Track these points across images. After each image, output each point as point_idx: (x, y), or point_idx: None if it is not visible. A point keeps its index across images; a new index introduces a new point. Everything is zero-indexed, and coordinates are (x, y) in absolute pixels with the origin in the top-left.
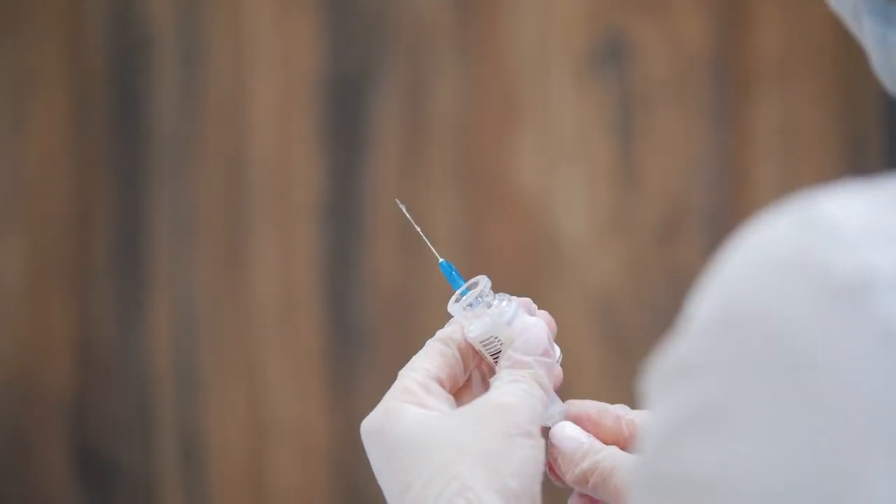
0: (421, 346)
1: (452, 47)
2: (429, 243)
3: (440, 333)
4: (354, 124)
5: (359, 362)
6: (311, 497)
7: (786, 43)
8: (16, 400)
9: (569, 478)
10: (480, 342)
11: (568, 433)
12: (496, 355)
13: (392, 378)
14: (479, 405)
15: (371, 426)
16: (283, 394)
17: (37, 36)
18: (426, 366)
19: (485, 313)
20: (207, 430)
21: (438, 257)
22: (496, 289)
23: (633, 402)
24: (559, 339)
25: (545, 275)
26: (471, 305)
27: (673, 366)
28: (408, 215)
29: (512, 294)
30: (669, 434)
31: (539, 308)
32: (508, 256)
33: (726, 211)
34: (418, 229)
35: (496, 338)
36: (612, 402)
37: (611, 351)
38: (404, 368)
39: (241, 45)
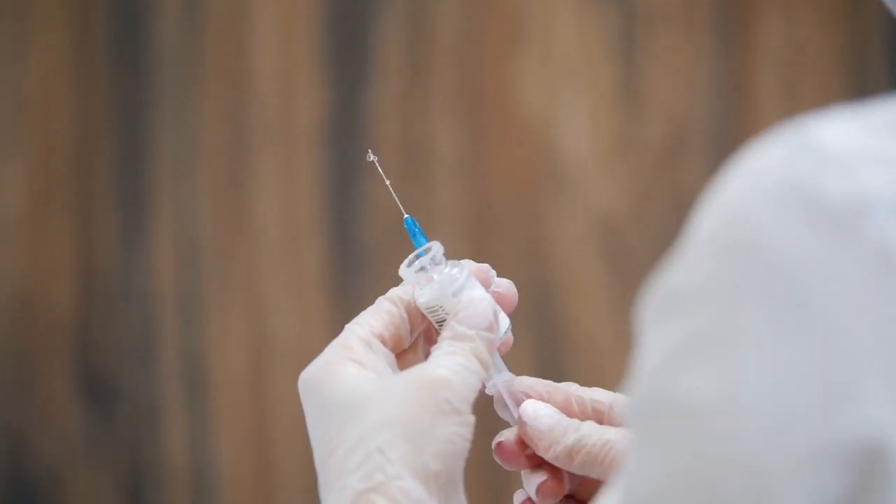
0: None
1: None
2: (396, 198)
3: (391, 292)
4: (357, 48)
5: (360, 285)
6: None
7: None
8: (19, 324)
9: (549, 455)
10: (426, 309)
11: (542, 410)
12: (441, 323)
13: None
14: (413, 375)
15: (308, 379)
16: (285, 317)
17: None
18: (371, 322)
19: (434, 280)
20: (210, 353)
21: (404, 212)
22: (499, 209)
23: (634, 325)
24: (561, 265)
25: (548, 198)
26: (424, 269)
27: (668, 293)
28: (380, 169)
29: (514, 221)
30: (666, 360)
31: (542, 238)
32: (511, 180)
33: (730, 133)
34: (388, 183)
35: (441, 307)
36: (615, 323)
37: (614, 274)
38: (350, 323)
39: None
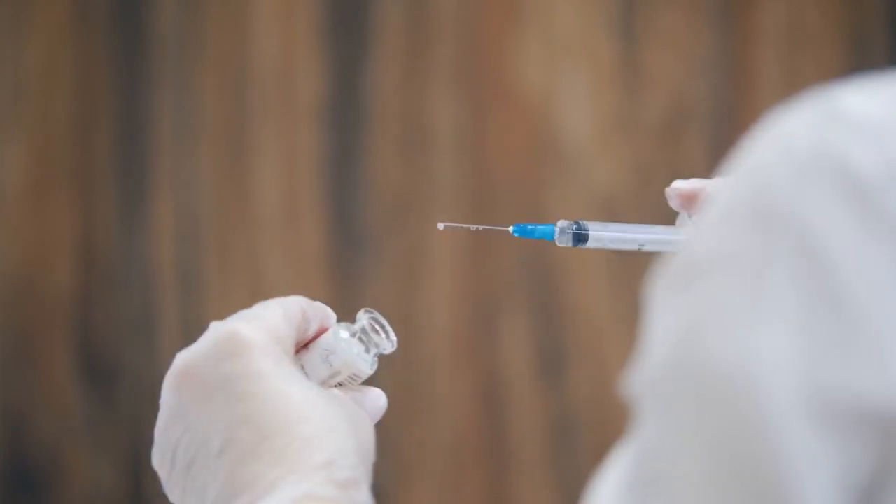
0: (423, 246)
1: None
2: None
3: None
4: (357, 24)
5: (360, 263)
6: None
7: None
8: (19, 302)
9: None
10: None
11: None
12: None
13: (393, 278)
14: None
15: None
16: (285, 294)
17: None
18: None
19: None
20: None
21: (511, 230)
22: (499, 186)
23: (634, 304)
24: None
25: (548, 176)
26: (357, 337)
27: (690, 259)
28: (459, 225)
29: (514, 197)
30: (689, 327)
31: (542, 216)
32: (511, 157)
33: (730, 111)
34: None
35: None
36: (614, 301)
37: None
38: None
39: None
